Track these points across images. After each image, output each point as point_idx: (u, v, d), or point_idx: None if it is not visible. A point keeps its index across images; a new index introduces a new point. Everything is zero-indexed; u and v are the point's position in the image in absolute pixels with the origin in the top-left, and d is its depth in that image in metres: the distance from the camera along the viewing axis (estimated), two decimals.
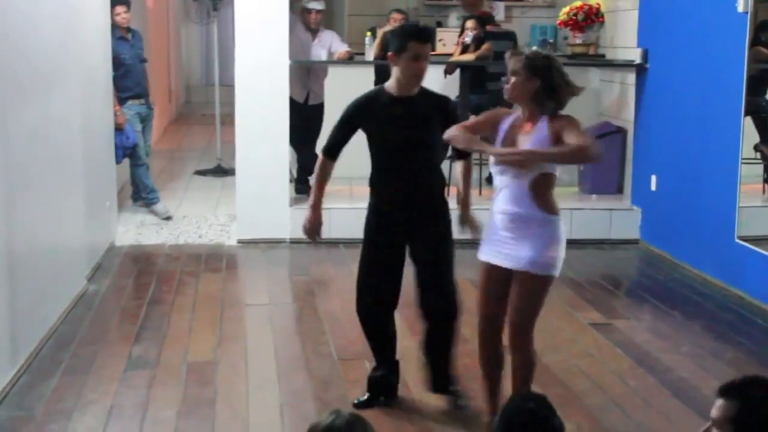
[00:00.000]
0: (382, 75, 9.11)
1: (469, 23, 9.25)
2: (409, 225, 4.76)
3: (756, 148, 7.28)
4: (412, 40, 4.48)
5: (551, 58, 4.25)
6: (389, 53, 4.65)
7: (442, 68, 9.43)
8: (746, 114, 7.04)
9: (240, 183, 8.56)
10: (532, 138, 4.15)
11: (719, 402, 2.63)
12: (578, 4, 10.08)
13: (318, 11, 8.96)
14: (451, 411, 4.86)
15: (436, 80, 9.46)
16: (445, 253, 4.75)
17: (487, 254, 4.31)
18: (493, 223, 4.29)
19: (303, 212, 8.56)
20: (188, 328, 6.31)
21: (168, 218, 8.87)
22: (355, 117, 4.79)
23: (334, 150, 4.90)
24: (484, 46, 9.12)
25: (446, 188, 4.94)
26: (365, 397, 4.99)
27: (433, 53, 10.19)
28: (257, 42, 8.36)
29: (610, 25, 9.84)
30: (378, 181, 4.98)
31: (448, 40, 10.64)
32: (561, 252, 4.25)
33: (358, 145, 8.95)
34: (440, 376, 4.90)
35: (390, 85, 4.76)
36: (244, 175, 8.52)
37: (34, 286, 5.73)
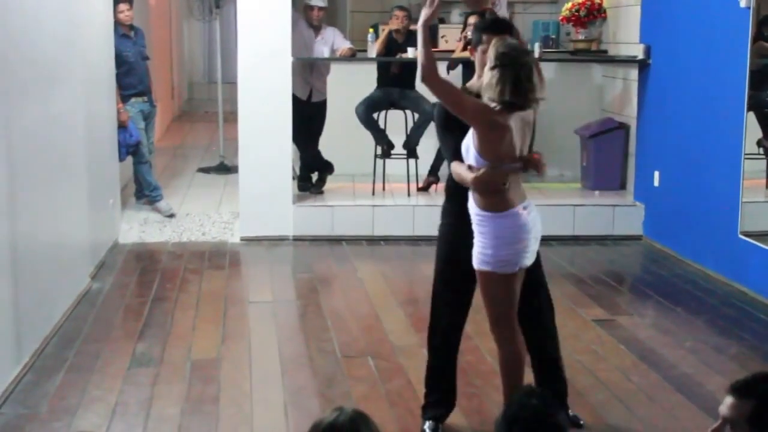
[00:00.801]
0: (384, 72, 9.12)
1: (472, 20, 9.23)
2: None
3: (759, 143, 7.28)
4: (487, 33, 4.35)
5: (520, 53, 4.07)
6: (469, 48, 4.56)
7: (445, 64, 9.42)
8: (749, 109, 7.03)
9: (243, 180, 8.57)
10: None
11: (732, 401, 2.61)
12: (581, 0, 10.07)
13: (320, 8, 8.96)
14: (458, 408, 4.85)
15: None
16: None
17: None
18: None
19: (305, 209, 8.63)
20: (192, 326, 6.32)
21: (171, 216, 8.88)
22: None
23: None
24: None
25: None
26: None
27: (435, 50, 10.23)
28: (260, 39, 8.36)
29: (612, 21, 9.84)
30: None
31: (450, 37, 10.64)
32: (497, 249, 4.12)
33: (360, 142, 9.05)
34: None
35: (472, 83, 4.47)
36: (247, 172, 8.53)
37: (38, 284, 5.74)
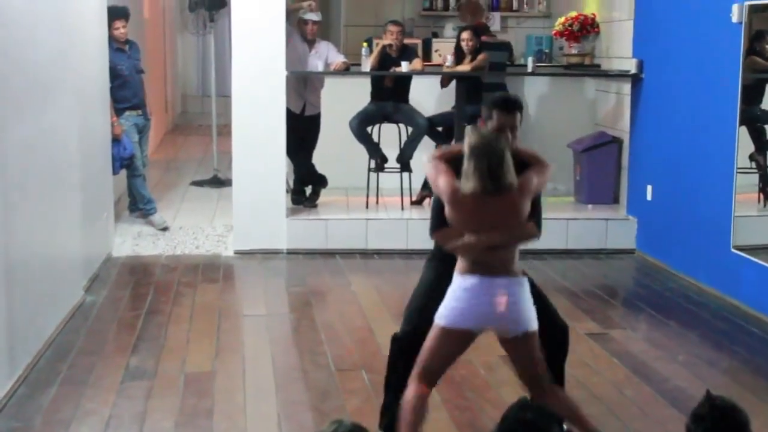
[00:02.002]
0: (377, 86, 9.14)
1: (465, 34, 9.27)
2: None
3: (751, 157, 7.31)
4: (496, 110, 4.45)
5: (491, 141, 4.20)
6: (480, 119, 4.64)
7: (438, 79, 9.46)
8: (741, 123, 7.06)
9: (237, 194, 8.58)
10: None
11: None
12: (574, 14, 10.12)
13: (314, 22, 8.98)
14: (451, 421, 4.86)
15: (433, 91, 9.51)
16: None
17: None
18: None
19: (299, 223, 8.64)
20: (186, 339, 6.32)
21: (165, 229, 8.88)
22: None
23: None
24: (480, 57, 9.15)
25: None
26: None
27: (428, 64, 10.25)
28: (254, 53, 8.38)
29: (605, 36, 9.89)
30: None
31: (444, 51, 10.67)
32: (445, 302, 4.25)
33: (353, 155, 9.07)
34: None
35: None
36: (241, 185, 8.54)
37: (32, 297, 5.74)
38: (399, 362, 4.75)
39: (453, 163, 4.30)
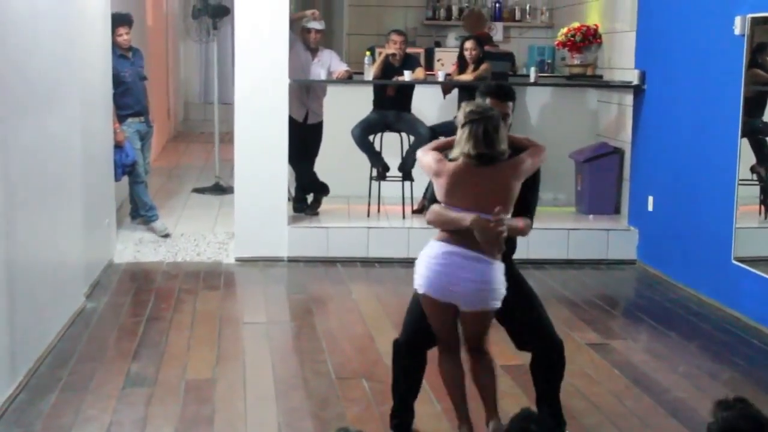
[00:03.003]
0: (380, 95, 9.15)
1: (468, 43, 9.29)
2: None
3: (753, 169, 7.31)
4: (490, 98, 4.54)
5: (486, 110, 4.36)
6: None
7: (440, 88, 9.48)
8: (743, 135, 7.07)
9: (238, 201, 8.59)
10: None
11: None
12: (576, 25, 10.15)
13: (317, 31, 9.00)
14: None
15: (435, 101, 9.52)
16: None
17: None
18: None
19: (300, 231, 8.65)
20: (186, 346, 6.32)
21: (166, 236, 8.88)
22: None
23: None
24: (483, 66, 9.17)
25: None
26: None
27: (430, 73, 10.26)
28: (257, 61, 8.40)
29: (607, 47, 9.90)
30: None
31: (446, 60, 10.70)
32: (418, 269, 4.48)
33: (355, 164, 9.08)
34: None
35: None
36: (243, 193, 8.55)
37: (33, 303, 5.74)
38: (398, 368, 4.82)
39: (444, 152, 4.47)
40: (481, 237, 4.25)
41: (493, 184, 4.32)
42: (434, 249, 4.40)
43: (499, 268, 4.37)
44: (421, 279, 4.43)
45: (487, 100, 4.51)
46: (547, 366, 4.76)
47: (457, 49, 9.71)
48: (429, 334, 4.64)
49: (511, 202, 4.36)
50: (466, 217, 4.29)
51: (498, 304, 4.39)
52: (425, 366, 4.78)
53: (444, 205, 4.40)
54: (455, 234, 4.34)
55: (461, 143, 4.32)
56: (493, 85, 4.73)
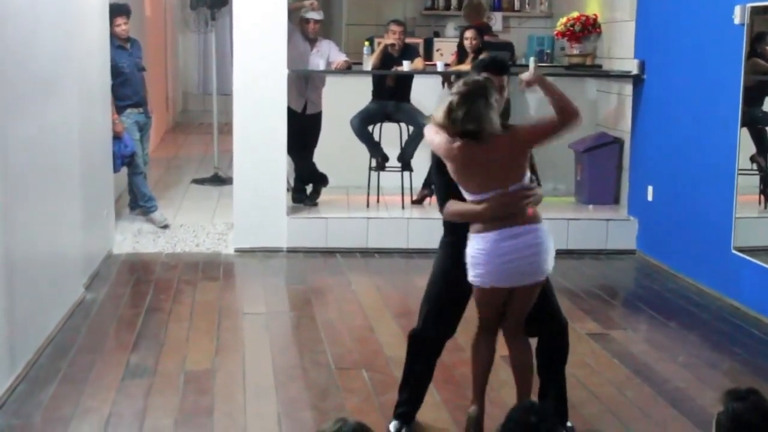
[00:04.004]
0: (379, 85, 9.14)
1: (468, 33, 9.28)
2: None
3: (753, 159, 7.31)
4: (485, 72, 4.55)
5: (479, 86, 4.36)
6: None
7: (440, 79, 9.47)
8: (743, 125, 7.06)
9: (237, 192, 8.58)
10: None
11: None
12: (575, 14, 10.12)
13: (316, 21, 8.97)
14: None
15: (435, 91, 9.50)
16: None
17: None
18: None
19: (299, 221, 8.65)
20: (186, 337, 6.31)
21: (165, 227, 8.87)
22: None
23: None
24: (482, 56, 9.14)
25: None
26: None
27: (429, 63, 10.24)
28: (255, 51, 8.37)
29: (607, 36, 9.88)
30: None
31: (446, 50, 10.67)
32: (471, 267, 4.43)
33: (354, 154, 9.06)
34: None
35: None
36: (242, 184, 8.54)
37: (32, 294, 5.73)
38: (417, 360, 4.83)
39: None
40: (507, 211, 4.30)
41: (496, 159, 4.32)
42: (486, 243, 4.34)
43: (546, 228, 4.46)
44: (487, 276, 4.37)
45: (482, 74, 4.52)
46: (553, 348, 4.76)
47: (457, 39, 9.69)
48: (452, 324, 4.70)
49: (522, 172, 4.37)
50: (478, 209, 4.32)
51: (551, 268, 4.51)
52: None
53: (460, 189, 4.40)
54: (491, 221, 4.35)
55: (456, 121, 4.29)
56: (488, 59, 4.80)
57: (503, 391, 5.16)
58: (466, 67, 9.13)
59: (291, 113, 8.58)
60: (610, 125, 9.55)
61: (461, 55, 9.33)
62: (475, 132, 4.25)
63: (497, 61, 4.76)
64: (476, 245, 4.36)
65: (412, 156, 8.99)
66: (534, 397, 4.71)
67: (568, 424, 4.82)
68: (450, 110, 4.27)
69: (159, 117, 13.35)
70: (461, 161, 4.32)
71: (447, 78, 9.35)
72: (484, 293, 4.45)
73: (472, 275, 4.41)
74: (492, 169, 4.32)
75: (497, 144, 4.30)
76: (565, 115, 4.38)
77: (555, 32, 10.46)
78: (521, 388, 4.60)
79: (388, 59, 9.06)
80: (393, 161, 8.99)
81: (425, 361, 4.81)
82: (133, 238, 8.65)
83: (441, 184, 4.55)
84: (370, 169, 8.97)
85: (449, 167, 4.37)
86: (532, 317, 4.61)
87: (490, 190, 4.31)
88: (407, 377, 4.85)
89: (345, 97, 9.16)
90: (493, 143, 4.28)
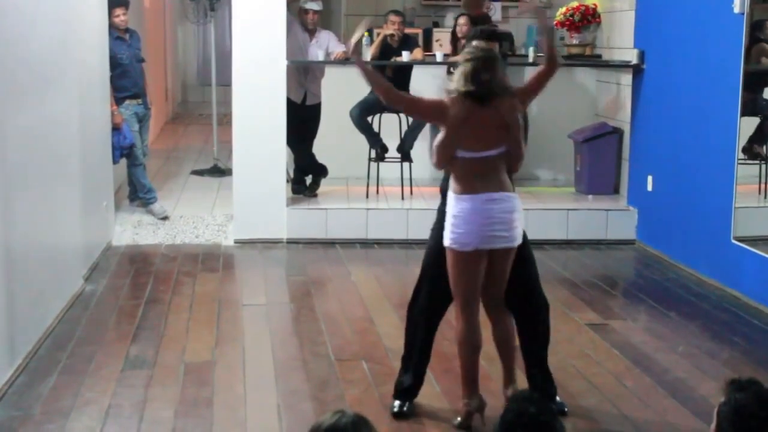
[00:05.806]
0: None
1: (461, 20, 9.29)
2: None
3: (744, 150, 7.26)
4: (476, 41, 4.84)
5: (484, 51, 4.62)
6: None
7: (438, 68, 9.44)
8: (743, 114, 7.05)
9: (237, 183, 8.57)
10: None
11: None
12: (575, 4, 10.10)
13: (315, 11, 8.96)
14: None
15: (434, 81, 9.47)
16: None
17: None
18: None
19: (299, 212, 8.66)
20: (185, 328, 6.31)
21: (165, 218, 8.86)
22: None
23: None
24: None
25: None
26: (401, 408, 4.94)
27: (429, 53, 10.20)
28: (254, 42, 8.36)
29: (606, 26, 9.86)
30: None
31: (445, 41, 10.65)
32: (453, 227, 4.53)
33: (354, 145, 9.05)
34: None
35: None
36: (241, 175, 8.53)
37: (32, 286, 5.73)
38: (417, 332, 4.95)
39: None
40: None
41: (494, 120, 4.49)
42: (472, 202, 4.48)
43: (519, 200, 4.60)
44: (468, 236, 4.48)
45: (474, 43, 4.81)
46: (534, 332, 4.90)
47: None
48: (448, 291, 4.73)
49: (519, 134, 4.54)
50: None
51: (521, 238, 4.62)
52: None
53: (454, 147, 4.52)
54: (474, 184, 4.48)
55: (456, 81, 4.52)
56: (478, 30, 5.07)
57: (492, 381, 5.15)
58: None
59: (290, 104, 8.57)
60: (609, 115, 9.54)
61: (454, 42, 9.32)
62: (476, 94, 4.45)
63: (485, 30, 5.06)
64: (459, 205, 4.49)
65: (411, 146, 8.98)
66: (521, 375, 4.86)
67: (557, 399, 4.93)
68: (475, 72, 4.45)
69: (158, 108, 13.33)
70: (459, 121, 4.47)
71: (449, 68, 9.33)
72: (466, 259, 4.51)
73: (453, 237, 4.51)
74: (488, 130, 4.50)
75: (497, 105, 4.50)
76: (553, 63, 4.69)
77: (554, 22, 10.43)
78: (505, 361, 4.72)
79: (387, 50, 9.05)
80: (392, 152, 8.98)
81: (425, 331, 4.92)
82: (133, 230, 8.65)
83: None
84: (370, 159, 8.96)
85: (443, 127, 4.55)
86: (512, 290, 4.71)
87: (483, 149, 4.49)
88: (409, 351, 4.96)
89: (344, 88, 9.13)
90: (493, 105, 4.49)
